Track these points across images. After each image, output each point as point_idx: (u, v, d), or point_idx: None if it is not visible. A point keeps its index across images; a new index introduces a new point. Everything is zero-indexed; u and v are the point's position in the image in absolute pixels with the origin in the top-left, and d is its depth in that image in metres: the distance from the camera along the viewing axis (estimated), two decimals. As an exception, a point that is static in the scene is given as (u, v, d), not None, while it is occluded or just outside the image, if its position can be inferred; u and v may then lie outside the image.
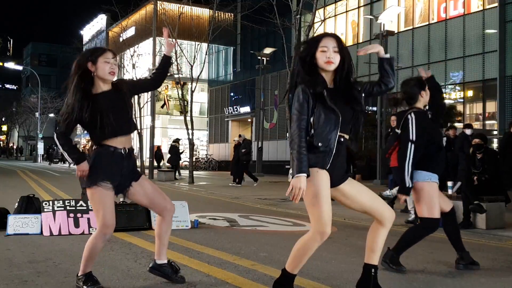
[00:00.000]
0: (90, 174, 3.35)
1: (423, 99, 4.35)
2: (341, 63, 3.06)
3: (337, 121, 3.00)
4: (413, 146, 4.14)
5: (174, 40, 3.63)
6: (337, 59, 3.05)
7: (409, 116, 4.24)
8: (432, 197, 4.17)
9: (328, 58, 3.02)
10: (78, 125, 3.54)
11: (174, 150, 21.10)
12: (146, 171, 20.60)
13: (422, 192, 4.18)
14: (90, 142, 7.70)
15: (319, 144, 2.98)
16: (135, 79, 3.67)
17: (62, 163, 42.60)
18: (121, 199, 5.94)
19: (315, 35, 3.30)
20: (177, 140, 21.45)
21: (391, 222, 3.19)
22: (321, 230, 2.96)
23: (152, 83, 3.77)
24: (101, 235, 3.36)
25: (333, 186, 3.10)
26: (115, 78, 3.45)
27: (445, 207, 4.35)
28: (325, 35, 3.13)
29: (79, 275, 3.45)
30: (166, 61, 3.74)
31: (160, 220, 3.61)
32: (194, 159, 20.12)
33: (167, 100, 39.01)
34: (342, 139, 3.06)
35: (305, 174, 2.89)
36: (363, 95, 3.12)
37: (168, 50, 3.75)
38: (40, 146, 45.22)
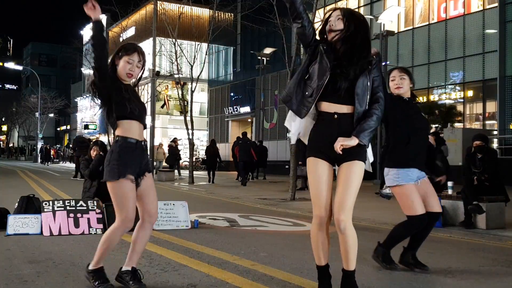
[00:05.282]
0: (113, 167, 3.31)
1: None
2: (345, 29, 3.07)
3: (325, 74, 3.04)
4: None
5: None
6: (339, 25, 3.08)
7: None
8: (407, 198, 4.11)
9: (330, 26, 3.09)
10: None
11: (171, 150, 21.21)
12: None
13: (397, 196, 4.21)
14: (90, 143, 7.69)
15: (306, 92, 3.09)
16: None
17: (63, 162, 42.66)
18: None
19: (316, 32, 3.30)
20: (173, 140, 21.49)
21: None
22: (315, 213, 3.11)
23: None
24: (122, 229, 3.37)
25: (338, 163, 3.13)
26: (130, 79, 3.45)
27: (435, 208, 4.29)
28: (335, 8, 3.17)
29: (90, 268, 3.47)
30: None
31: (139, 226, 3.52)
32: (194, 159, 20.11)
33: (167, 100, 39.00)
34: (335, 115, 3.07)
35: None
36: (368, 81, 3.08)
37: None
38: (40, 144, 45.22)
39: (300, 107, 3.10)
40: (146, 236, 3.53)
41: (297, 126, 3.25)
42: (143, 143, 3.46)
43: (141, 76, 3.54)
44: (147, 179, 3.49)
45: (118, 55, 3.42)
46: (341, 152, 3.00)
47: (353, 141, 3.00)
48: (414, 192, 4.12)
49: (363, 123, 3.03)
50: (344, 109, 3.07)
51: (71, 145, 39.22)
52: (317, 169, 3.11)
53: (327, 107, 3.10)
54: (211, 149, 18.40)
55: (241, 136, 18.29)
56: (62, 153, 46.84)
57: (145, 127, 3.53)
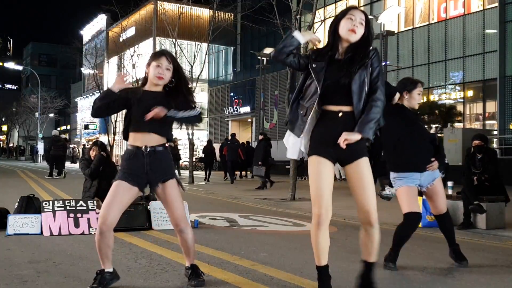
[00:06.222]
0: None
1: (406, 101, 4.38)
2: (361, 39, 3.06)
3: (315, 93, 3.06)
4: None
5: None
6: (360, 31, 3.05)
7: None
8: (401, 200, 4.32)
9: (352, 26, 3.03)
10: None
11: (170, 150, 21.37)
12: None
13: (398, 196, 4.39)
14: (90, 143, 7.73)
15: (300, 111, 3.12)
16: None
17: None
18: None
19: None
20: (173, 140, 21.60)
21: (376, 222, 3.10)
22: (314, 212, 3.10)
23: None
24: (98, 228, 3.40)
25: (341, 164, 3.15)
26: (161, 82, 3.47)
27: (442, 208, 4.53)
28: (356, 8, 3.14)
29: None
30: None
31: (176, 231, 3.65)
32: (194, 159, 20.14)
33: (167, 100, 38.97)
34: (340, 114, 3.06)
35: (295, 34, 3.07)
36: (365, 75, 3.05)
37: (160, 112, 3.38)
38: (40, 146, 45.14)
39: (297, 127, 3.15)
40: (185, 240, 3.62)
41: (295, 141, 3.22)
42: (148, 149, 3.45)
43: (173, 77, 3.53)
44: (167, 188, 3.50)
45: (148, 64, 3.50)
46: (345, 147, 2.99)
47: (356, 136, 2.98)
48: (406, 193, 4.28)
49: (364, 116, 3.02)
50: (347, 108, 3.07)
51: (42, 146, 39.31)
52: (320, 168, 3.09)
53: (332, 107, 3.10)
54: (209, 148, 19.82)
55: (229, 138, 19.58)
56: None
57: (163, 135, 3.56)
